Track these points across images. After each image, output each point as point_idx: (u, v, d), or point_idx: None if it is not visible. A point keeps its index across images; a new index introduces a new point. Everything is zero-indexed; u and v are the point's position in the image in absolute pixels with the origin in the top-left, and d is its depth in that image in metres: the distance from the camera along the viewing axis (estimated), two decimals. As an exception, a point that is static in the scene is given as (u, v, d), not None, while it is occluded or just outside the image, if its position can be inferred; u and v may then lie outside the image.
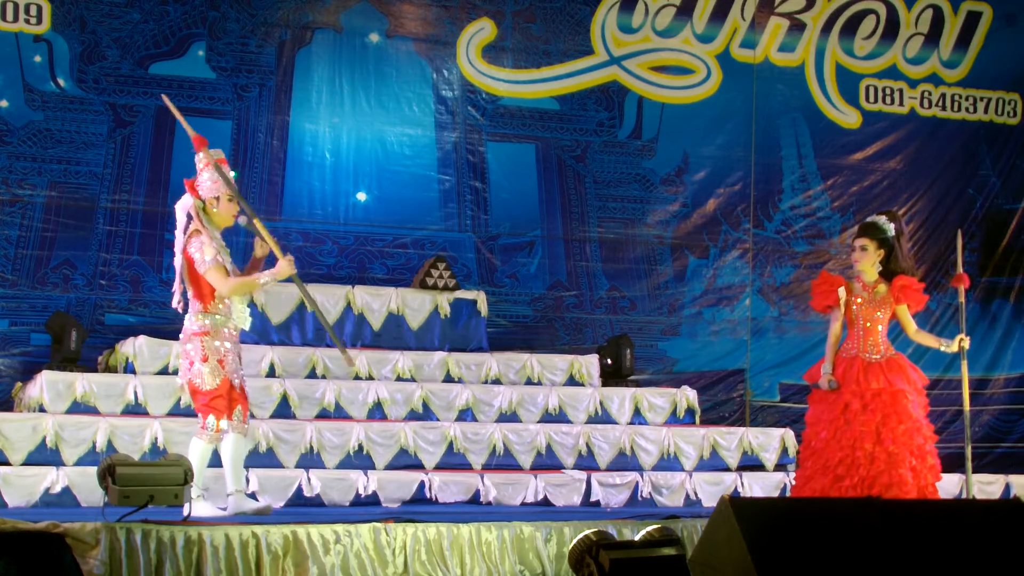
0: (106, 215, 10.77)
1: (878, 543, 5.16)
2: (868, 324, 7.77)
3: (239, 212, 7.15)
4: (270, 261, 7.17)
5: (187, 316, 7.09)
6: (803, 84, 12.99)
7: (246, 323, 7.19)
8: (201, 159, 7.17)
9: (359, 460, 9.22)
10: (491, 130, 12.01)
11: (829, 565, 5.08)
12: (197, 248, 6.97)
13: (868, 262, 7.80)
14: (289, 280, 7.14)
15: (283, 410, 9.45)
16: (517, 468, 9.60)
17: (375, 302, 10.52)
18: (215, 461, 7.16)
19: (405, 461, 9.35)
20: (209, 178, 7.11)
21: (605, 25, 12.36)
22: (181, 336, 7.12)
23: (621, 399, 10.39)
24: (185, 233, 7.07)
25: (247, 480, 8.65)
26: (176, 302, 7.17)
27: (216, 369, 6.99)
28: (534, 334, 11.83)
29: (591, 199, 12.26)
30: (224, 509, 7.05)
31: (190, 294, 7.08)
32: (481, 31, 12.00)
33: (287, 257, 7.00)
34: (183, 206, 7.14)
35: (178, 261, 7.09)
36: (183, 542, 5.90)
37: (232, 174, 7.26)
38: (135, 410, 9.11)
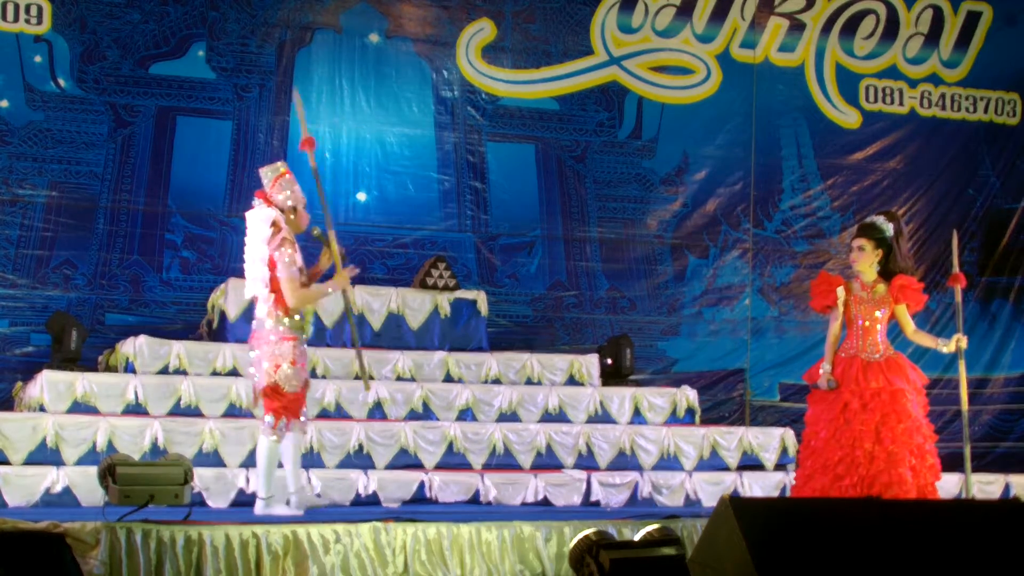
0: (106, 215, 10.78)
1: (878, 543, 5.16)
2: (867, 324, 7.76)
3: (311, 222, 7.46)
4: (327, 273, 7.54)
5: (266, 319, 7.23)
6: (803, 84, 13.00)
7: (307, 332, 7.41)
8: (270, 173, 7.39)
9: (359, 460, 9.22)
10: (491, 130, 12.02)
11: (829, 565, 5.08)
12: (284, 256, 7.17)
13: (866, 262, 7.80)
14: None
15: (283, 410, 9.44)
16: (517, 468, 9.60)
17: (375, 302, 10.52)
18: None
19: (405, 461, 9.35)
20: (281, 189, 7.34)
21: (605, 25, 12.36)
22: (259, 338, 7.25)
23: (621, 399, 10.39)
24: (272, 241, 7.21)
25: (247, 480, 8.67)
26: (266, 311, 7.26)
27: (300, 373, 7.22)
28: (534, 334, 11.84)
29: (591, 199, 12.26)
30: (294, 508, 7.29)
31: (272, 300, 7.22)
32: (481, 31, 12.01)
33: (347, 270, 7.34)
34: (264, 217, 7.27)
35: (260, 270, 7.22)
36: (183, 542, 5.91)
37: (297, 188, 7.48)
38: (135, 410, 9.11)
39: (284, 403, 7.19)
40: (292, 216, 7.33)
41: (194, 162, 11.09)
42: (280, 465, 7.36)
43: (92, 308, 10.61)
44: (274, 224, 7.23)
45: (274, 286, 7.22)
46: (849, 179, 13.10)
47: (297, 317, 7.24)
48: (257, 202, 7.35)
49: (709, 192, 12.59)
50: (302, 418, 7.32)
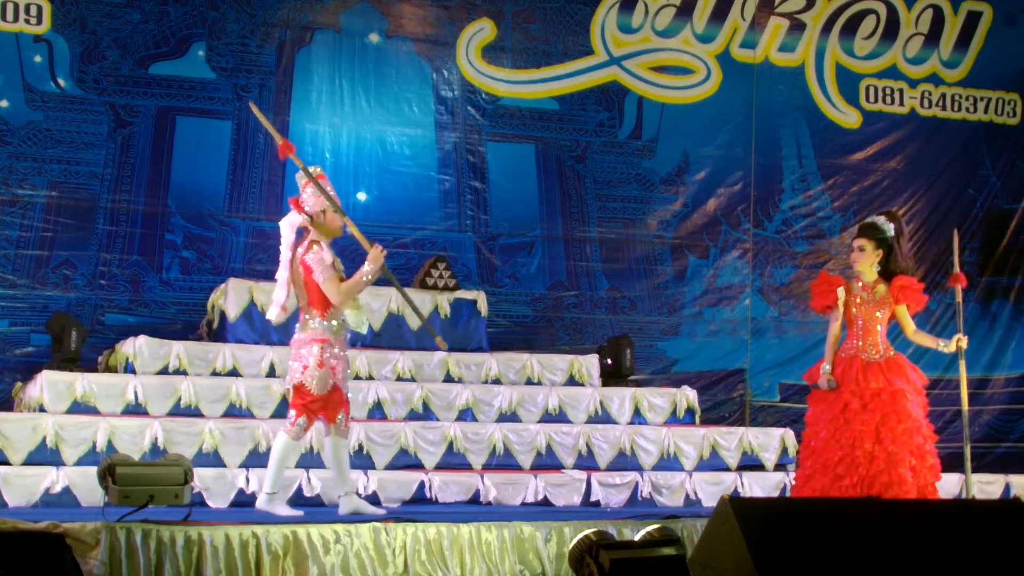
0: (106, 215, 10.77)
1: (878, 543, 5.16)
2: (867, 324, 7.76)
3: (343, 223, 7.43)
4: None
5: (300, 323, 7.30)
6: (803, 84, 13.00)
7: (363, 327, 7.43)
8: (302, 177, 7.44)
9: (359, 460, 9.21)
10: (491, 130, 12.02)
11: (829, 565, 5.08)
12: (315, 258, 7.20)
13: (866, 262, 7.80)
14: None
15: (283, 410, 9.40)
16: (517, 468, 9.59)
17: (375, 302, 10.50)
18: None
19: (405, 461, 9.35)
20: (312, 194, 7.35)
21: (605, 25, 12.36)
22: (295, 341, 7.30)
23: (621, 399, 10.39)
24: (300, 246, 7.27)
25: (247, 480, 8.67)
26: (275, 315, 7.33)
27: (328, 375, 7.20)
28: (534, 334, 11.83)
29: (591, 199, 12.26)
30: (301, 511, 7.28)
31: (305, 302, 7.27)
32: (481, 31, 12.01)
33: (377, 247, 7.27)
34: (291, 222, 7.33)
35: (284, 274, 7.28)
36: (183, 542, 5.91)
37: (331, 189, 7.49)
38: (135, 410, 9.11)
39: (306, 402, 7.21)
40: (322, 220, 7.33)
41: (194, 162, 11.08)
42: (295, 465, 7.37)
43: (92, 308, 10.61)
44: (302, 228, 7.27)
45: (308, 289, 7.24)
46: (849, 179, 13.10)
47: (333, 320, 7.23)
48: (291, 208, 7.38)
49: (709, 192, 12.59)
50: (338, 421, 7.28)
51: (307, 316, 7.27)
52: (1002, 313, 13.41)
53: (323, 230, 7.34)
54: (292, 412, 7.25)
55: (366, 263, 7.22)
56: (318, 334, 7.22)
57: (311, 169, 7.47)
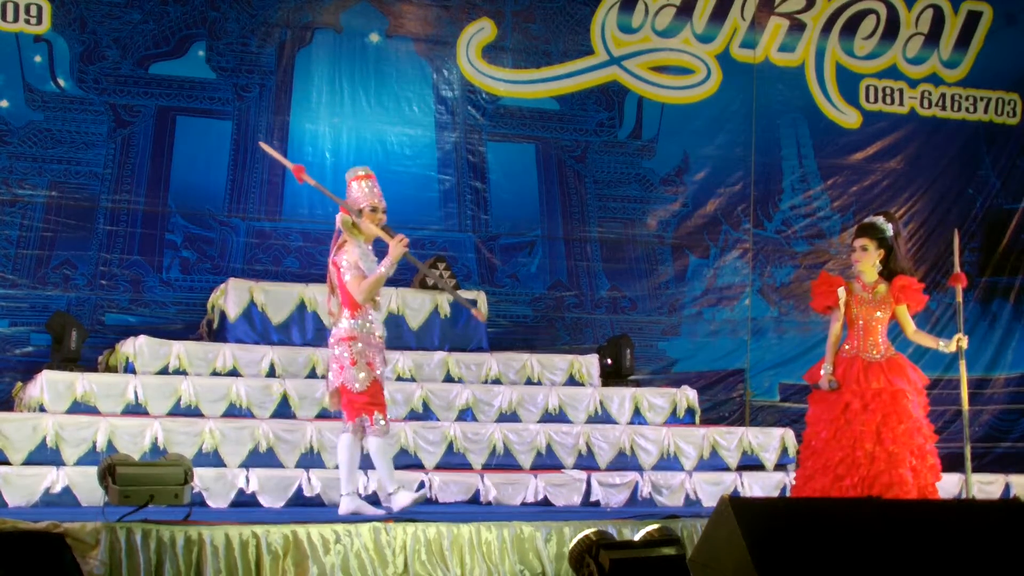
0: (106, 215, 10.78)
1: (878, 543, 5.16)
2: (868, 324, 7.76)
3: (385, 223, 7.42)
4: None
5: (335, 324, 7.33)
6: (803, 84, 13.00)
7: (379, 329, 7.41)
8: (348, 176, 7.50)
9: (359, 460, 9.20)
10: (491, 130, 12.02)
11: (829, 565, 5.08)
12: (342, 258, 7.26)
13: (868, 262, 7.80)
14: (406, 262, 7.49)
15: (283, 410, 9.45)
16: (517, 468, 9.59)
17: (375, 302, 10.49)
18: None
19: (405, 461, 9.34)
20: (356, 193, 7.41)
21: (605, 25, 12.36)
22: (330, 342, 7.33)
23: (621, 399, 10.39)
24: (333, 246, 7.37)
25: (247, 480, 8.67)
26: (327, 320, 7.43)
27: (367, 370, 7.22)
28: (534, 334, 11.83)
29: (591, 199, 12.26)
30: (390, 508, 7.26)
31: (340, 301, 7.30)
32: (481, 31, 12.01)
33: (396, 238, 7.25)
34: (336, 226, 7.38)
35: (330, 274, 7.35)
36: (183, 542, 5.90)
37: (370, 189, 7.46)
38: (135, 410, 9.11)
39: (367, 399, 7.20)
40: (359, 219, 7.32)
41: (194, 162, 11.09)
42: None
43: (92, 308, 10.61)
44: (338, 229, 7.32)
45: (340, 289, 7.28)
46: (849, 179, 13.10)
47: (362, 319, 7.25)
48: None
49: (709, 192, 12.59)
50: (357, 420, 7.26)
51: (342, 315, 7.30)
52: (1002, 313, 13.41)
53: (357, 231, 7.35)
54: (364, 416, 7.20)
55: (385, 258, 7.21)
56: (347, 333, 7.23)
57: (357, 170, 7.52)
